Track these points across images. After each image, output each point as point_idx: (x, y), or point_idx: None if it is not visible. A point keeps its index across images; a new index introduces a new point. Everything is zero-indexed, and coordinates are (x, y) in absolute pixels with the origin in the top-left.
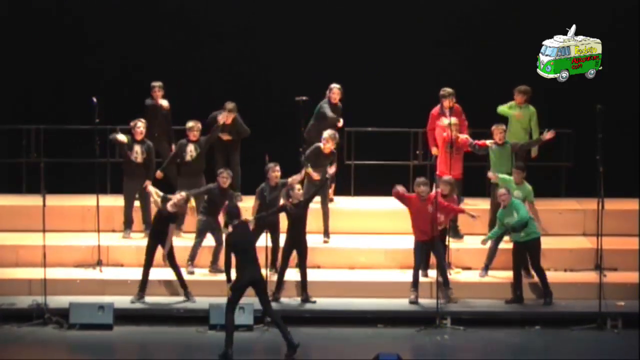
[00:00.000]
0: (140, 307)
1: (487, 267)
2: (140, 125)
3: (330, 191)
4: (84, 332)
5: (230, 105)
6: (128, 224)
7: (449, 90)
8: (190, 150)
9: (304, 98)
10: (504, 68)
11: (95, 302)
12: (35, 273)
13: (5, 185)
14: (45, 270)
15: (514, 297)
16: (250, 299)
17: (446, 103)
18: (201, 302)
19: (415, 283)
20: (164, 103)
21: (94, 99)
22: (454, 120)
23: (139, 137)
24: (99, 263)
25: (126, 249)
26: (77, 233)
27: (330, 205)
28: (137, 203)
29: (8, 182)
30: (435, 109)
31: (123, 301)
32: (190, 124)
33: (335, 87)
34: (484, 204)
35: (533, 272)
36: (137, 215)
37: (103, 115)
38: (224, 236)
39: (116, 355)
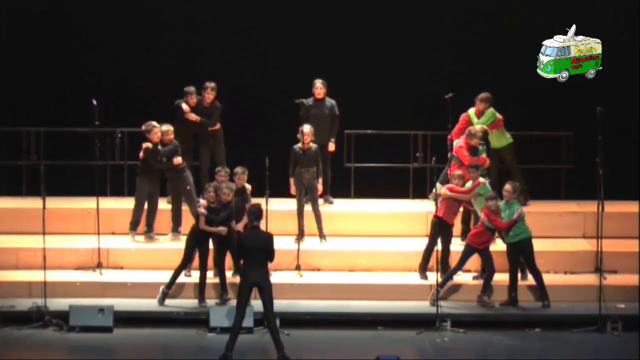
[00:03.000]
0: (140, 309)
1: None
2: (157, 130)
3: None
4: (83, 334)
5: (211, 84)
6: (135, 226)
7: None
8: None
9: (304, 100)
10: (504, 68)
11: (95, 305)
12: (35, 275)
13: (5, 187)
14: (45, 272)
15: (508, 300)
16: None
17: (482, 107)
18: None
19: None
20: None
21: (94, 101)
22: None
23: (156, 141)
24: (99, 265)
25: (126, 251)
26: (77, 235)
27: (330, 207)
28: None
29: (8, 184)
30: (466, 115)
31: (123, 304)
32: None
33: (316, 82)
34: None
35: (528, 274)
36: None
37: (103, 118)
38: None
39: (116, 358)
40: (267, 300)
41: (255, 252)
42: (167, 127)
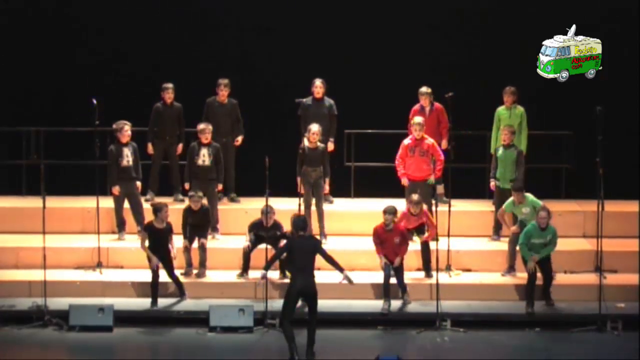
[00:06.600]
0: (140, 309)
1: (512, 267)
2: (128, 128)
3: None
4: (84, 334)
5: (224, 80)
6: (120, 227)
7: (421, 90)
8: (203, 155)
9: (304, 100)
10: (504, 68)
11: (95, 304)
12: (35, 275)
13: (5, 187)
14: (45, 272)
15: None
16: (250, 302)
17: (422, 101)
18: (201, 304)
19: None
20: (176, 105)
21: (94, 101)
22: (418, 119)
23: (125, 140)
24: (99, 265)
25: (126, 250)
26: (77, 235)
27: (330, 206)
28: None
29: (8, 184)
30: (417, 106)
31: (123, 303)
32: (201, 126)
33: (315, 81)
34: (472, 206)
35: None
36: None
37: (103, 117)
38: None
39: (116, 357)
40: (312, 309)
41: (302, 259)
42: (205, 126)
